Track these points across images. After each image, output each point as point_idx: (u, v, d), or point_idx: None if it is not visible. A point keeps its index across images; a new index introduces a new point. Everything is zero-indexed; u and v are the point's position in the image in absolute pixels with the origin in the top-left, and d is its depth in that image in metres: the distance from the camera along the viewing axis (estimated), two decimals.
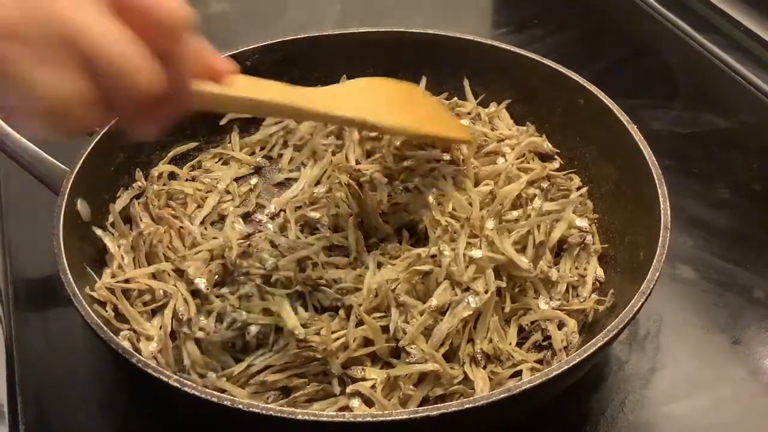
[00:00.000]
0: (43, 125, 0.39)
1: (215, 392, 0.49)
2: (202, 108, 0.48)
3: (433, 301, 0.58)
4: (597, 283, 0.65)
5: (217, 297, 0.61)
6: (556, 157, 0.76)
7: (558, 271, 0.64)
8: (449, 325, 0.57)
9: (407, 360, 0.56)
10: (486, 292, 0.58)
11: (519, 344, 0.60)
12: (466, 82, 0.81)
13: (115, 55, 0.38)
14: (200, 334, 0.58)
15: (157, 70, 0.40)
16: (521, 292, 0.62)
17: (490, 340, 0.58)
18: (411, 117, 0.67)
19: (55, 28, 0.36)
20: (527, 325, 0.61)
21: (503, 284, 0.60)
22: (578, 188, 0.72)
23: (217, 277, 0.64)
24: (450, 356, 0.57)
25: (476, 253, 0.60)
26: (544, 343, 0.61)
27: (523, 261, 0.61)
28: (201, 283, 0.62)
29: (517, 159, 0.74)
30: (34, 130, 0.40)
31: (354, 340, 0.57)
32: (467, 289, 0.59)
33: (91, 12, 0.37)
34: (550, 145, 0.76)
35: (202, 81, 0.46)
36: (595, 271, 0.65)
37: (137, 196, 0.72)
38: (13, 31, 0.36)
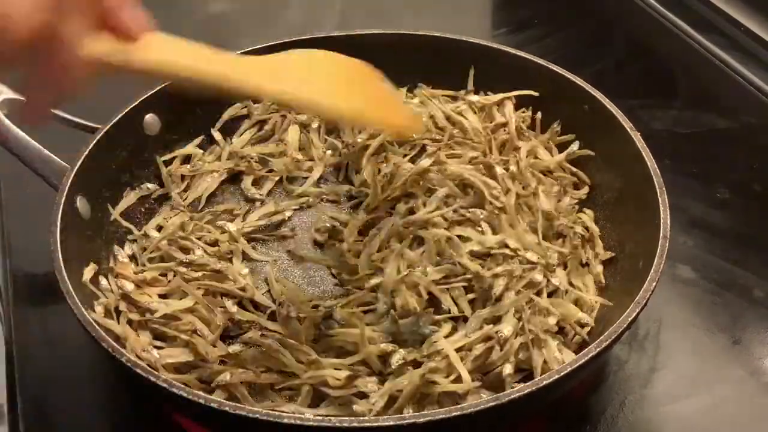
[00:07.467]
0: None
1: (202, 393, 0.49)
2: (100, 73, 0.42)
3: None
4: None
5: None
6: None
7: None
8: None
9: None
10: None
11: None
12: (471, 73, 0.80)
13: None
14: None
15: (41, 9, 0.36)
16: None
17: None
18: (357, 99, 0.58)
19: None
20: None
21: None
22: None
23: None
24: None
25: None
26: None
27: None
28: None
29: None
30: None
31: None
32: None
33: None
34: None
35: (101, 38, 0.41)
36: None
37: (143, 198, 0.72)
38: None
